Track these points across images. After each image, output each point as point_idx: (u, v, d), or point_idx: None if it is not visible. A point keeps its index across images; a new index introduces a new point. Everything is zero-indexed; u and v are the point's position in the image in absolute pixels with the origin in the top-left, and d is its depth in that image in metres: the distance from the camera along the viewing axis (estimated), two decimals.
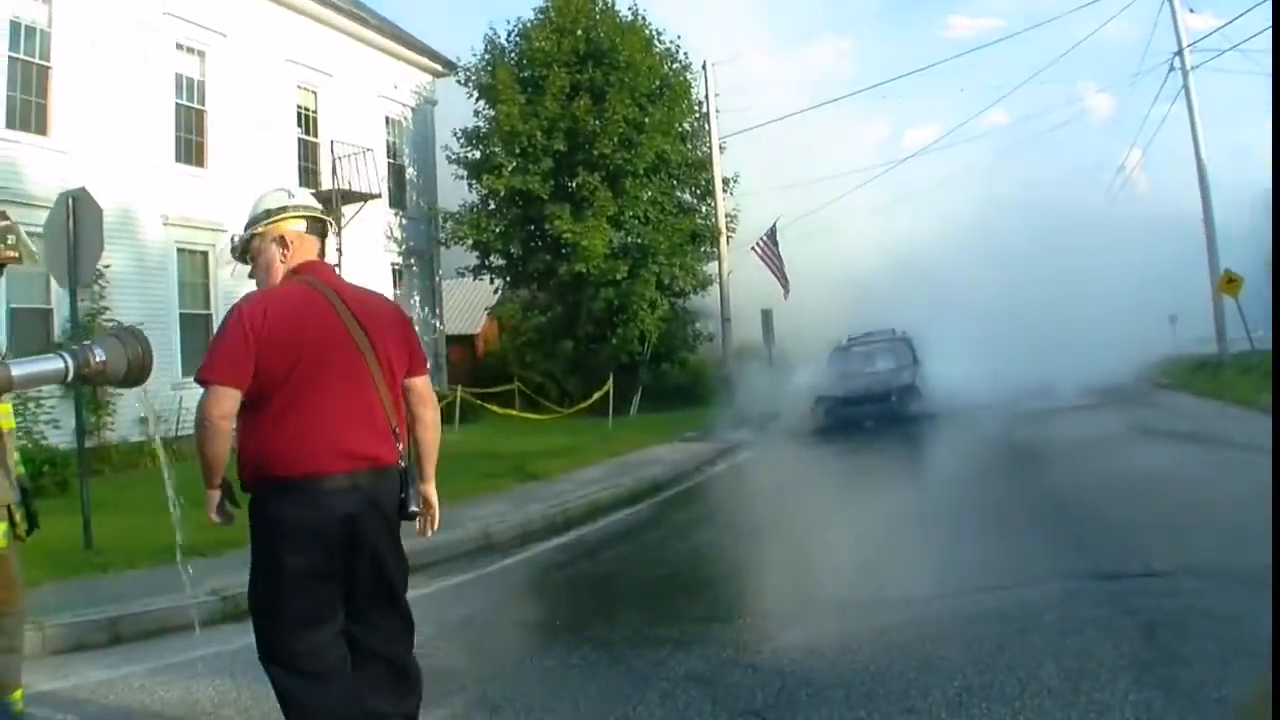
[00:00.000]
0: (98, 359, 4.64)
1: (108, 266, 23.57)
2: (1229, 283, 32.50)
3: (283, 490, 5.33)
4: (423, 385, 5.88)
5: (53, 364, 4.58)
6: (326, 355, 5.43)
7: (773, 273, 39.49)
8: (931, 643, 7.74)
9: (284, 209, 5.78)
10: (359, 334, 5.54)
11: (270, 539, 5.38)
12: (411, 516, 5.79)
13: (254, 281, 5.83)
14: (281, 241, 5.70)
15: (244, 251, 5.89)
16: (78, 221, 13.74)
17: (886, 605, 9.24)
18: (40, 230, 14.10)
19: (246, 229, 5.83)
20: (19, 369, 4.57)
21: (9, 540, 6.32)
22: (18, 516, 6.48)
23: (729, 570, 12.34)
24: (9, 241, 6.27)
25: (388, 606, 5.76)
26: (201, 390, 5.36)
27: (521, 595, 11.84)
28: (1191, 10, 37.45)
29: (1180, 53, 36.52)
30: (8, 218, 6.39)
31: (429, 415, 5.89)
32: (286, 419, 5.34)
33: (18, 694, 7.04)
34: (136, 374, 4.94)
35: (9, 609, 6.69)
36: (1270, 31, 3.47)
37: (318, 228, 5.89)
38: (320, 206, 6.04)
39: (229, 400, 5.29)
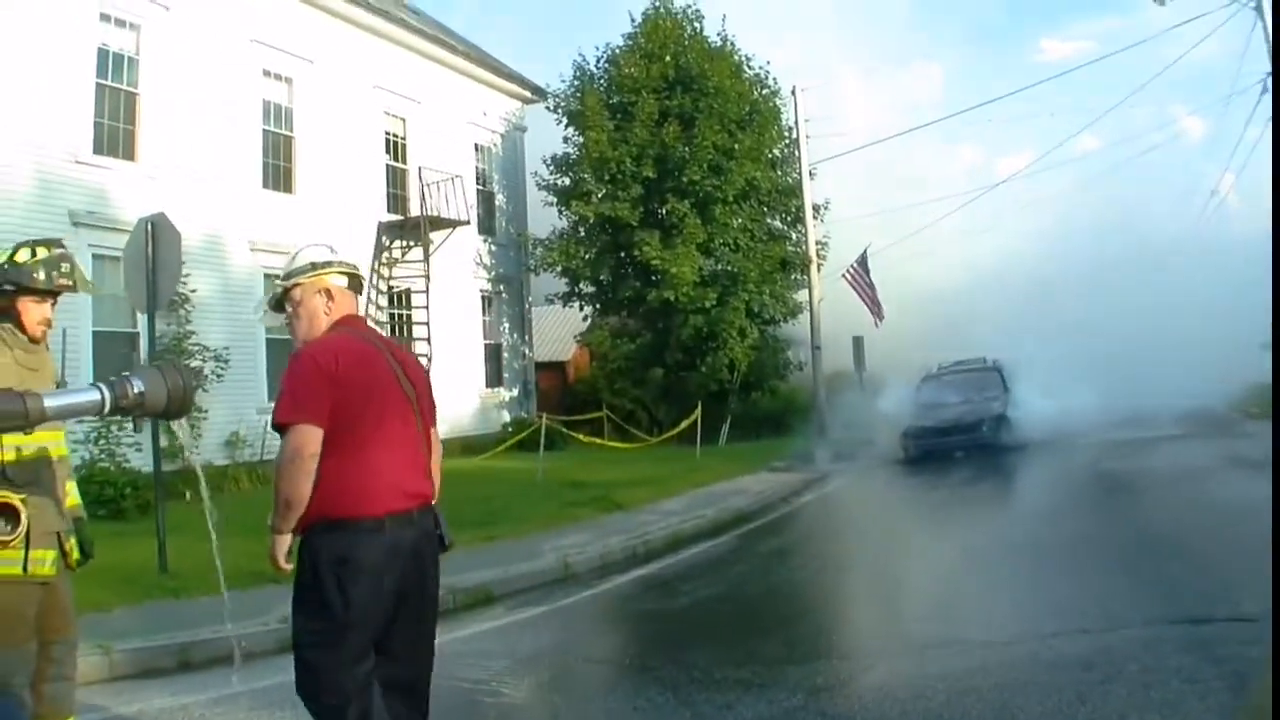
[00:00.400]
0: (135, 390, 4.69)
1: (193, 291, 23.75)
2: None
3: (350, 529, 5.44)
4: (435, 434, 6.14)
5: (88, 396, 4.64)
6: (386, 401, 5.67)
7: (864, 300, 39.18)
8: (1009, 691, 7.43)
9: (329, 263, 5.95)
10: (405, 383, 5.84)
11: (337, 576, 5.41)
12: (449, 547, 6.04)
13: (291, 330, 5.84)
14: (327, 294, 5.86)
15: (281, 301, 6.01)
16: (156, 245, 13.74)
17: (965, 648, 8.92)
18: (121, 254, 14.11)
19: (288, 278, 5.95)
20: (53, 400, 4.55)
21: (58, 569, 6.21)
22: (68, 545, 6.35)
23: (807, 608, 12.09)
24: (63, 269, 6.26)
25: (428, 634, 6.03)
26: (283, 430, 5.44)
27: (594, 630, 11.66)
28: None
29: (1275, 72, 35.83)
30: (63, 246, 6.42)
31: (439, 459, 6.15)
32: (356, 460, 5.47)
33: None
34: (178, 406, 4.90)
35: (59, 637, 6.57)
36: (1270, 30, 3.24)
37: (355, 284, 6.07)
38: (358, 265, 6.24)
39: (317, 440, 5.37)
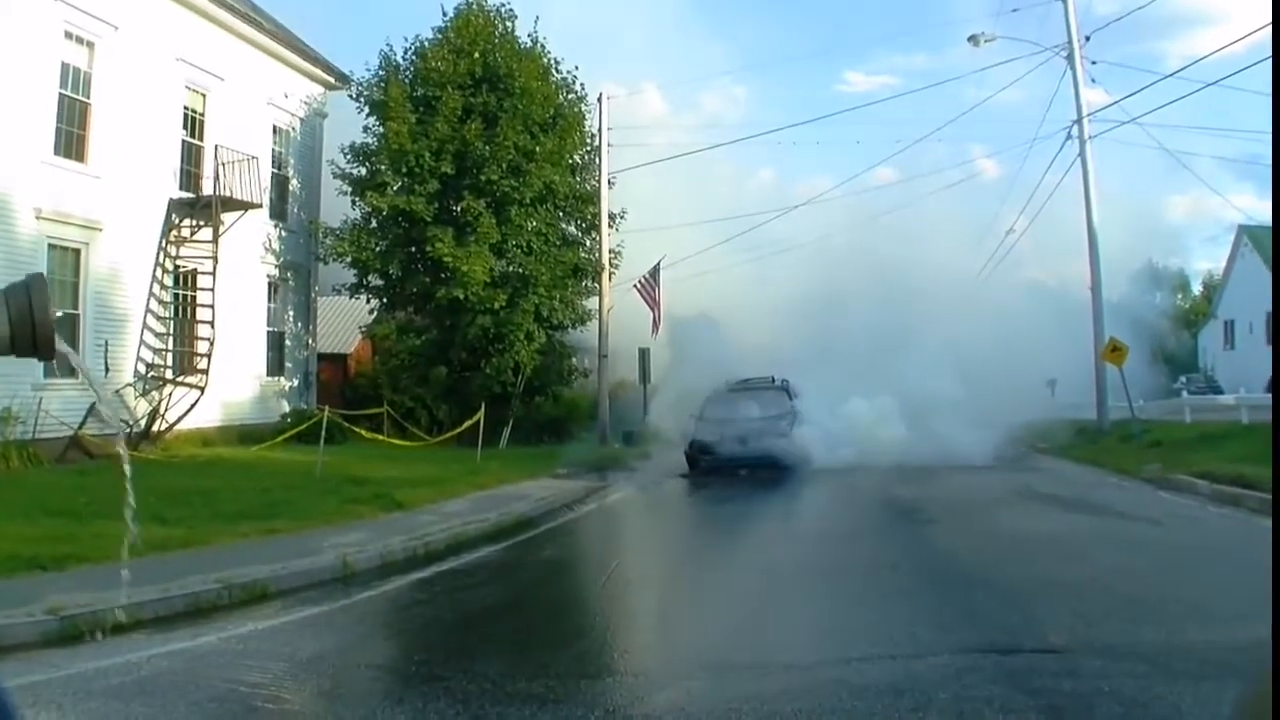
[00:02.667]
0: None
1: None
2: (1114, 351, 32.75)
3: None
4: None
5: None
6: None
7: (650, 308, 39.50)
8: (817, 717, 7.39)
9: None
10: None
11: None
12: None
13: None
14: None
15: None
16: None
17: (767, 670, 8.89)
18: None
19: None
20: None
21: None
22: None
23: (597, 620, 11.99)
24: None
25: None
26: None
27: (378, 634, 11.42)
28: (1094, 81, 37.90)
29: (1079, 120, 36.90)
30: None
31: None
32: None
33: None
34: (23, 341, 4.50)
35: None
36: (1270, 31, 3.27)
37: None
38: None
39: None
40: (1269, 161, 2.69)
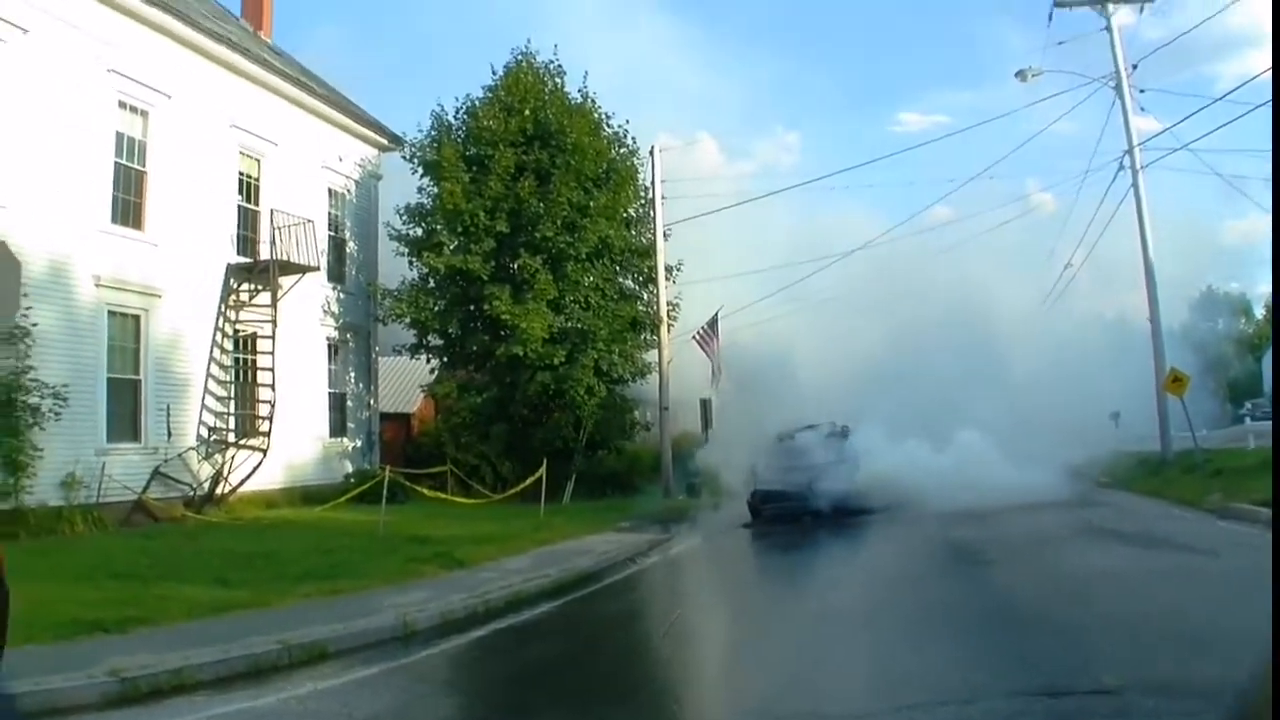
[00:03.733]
0: None
1: (35, 325, 23.12)
2: (1175, 381, 32.46)
3: None
4: None
5: None
6: None
7: (709, 359, 39.49)
8: None
9: None
10: None
11: None
12: None
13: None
14: None
15: None
16: None
17: None
18: None
19: None
20: None
21: None
22: None
23: (655, 674, 11.99)
24: None
25: None
26: None
27: (435, 693, 11.42)
28: (1143, 110, 37.69)
29: (1130, 151, 36.69)
30: None
31: None
32: None
33: None
34: None
35: None
36: (1270, 31, 3.23)
37: None
38: None
39: None
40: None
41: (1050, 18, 37.86)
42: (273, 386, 31.28)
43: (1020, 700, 8.75)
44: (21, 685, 9.68)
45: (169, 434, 28.43)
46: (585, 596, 17.68)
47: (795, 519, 28.17)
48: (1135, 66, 37.22)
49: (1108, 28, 37.26)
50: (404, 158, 40.98)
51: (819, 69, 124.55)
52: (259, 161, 33.65)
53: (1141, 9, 37.32)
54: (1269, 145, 2.65)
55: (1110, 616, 12.26)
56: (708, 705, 10.56)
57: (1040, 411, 31.75)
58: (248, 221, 32.99)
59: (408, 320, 39.07)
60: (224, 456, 30.29)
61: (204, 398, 30.29)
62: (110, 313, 27.07)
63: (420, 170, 40.20)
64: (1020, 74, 38.87)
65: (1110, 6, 37.02)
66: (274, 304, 31.53)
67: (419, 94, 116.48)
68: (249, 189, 33.25)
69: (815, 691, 10.14)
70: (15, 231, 21.85)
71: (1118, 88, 36.97)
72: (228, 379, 31.49)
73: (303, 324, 34.77)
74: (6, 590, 6.58)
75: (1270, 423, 46.22)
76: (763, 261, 54.14)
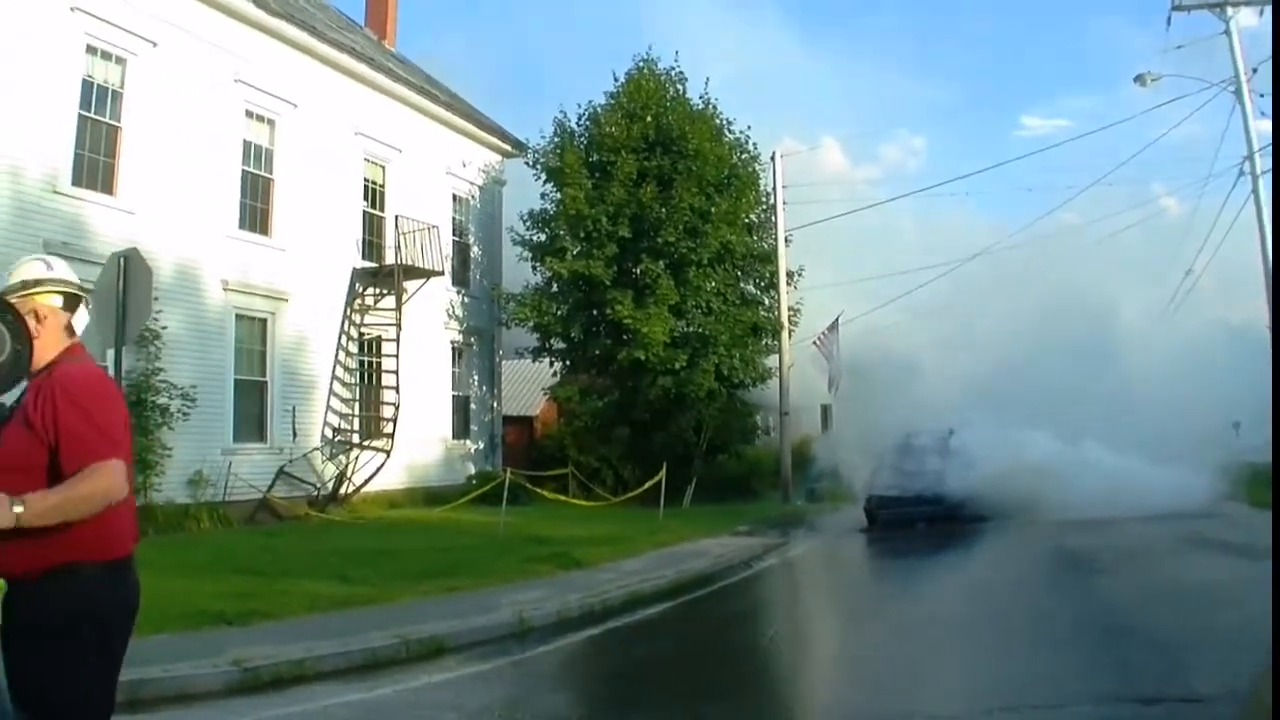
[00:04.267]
0: None
1: (164, 328, 23.72)
2: None
3: (101, 571, 5.01)
4: None
5: None
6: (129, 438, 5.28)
7: (829, 364, 39.49)
8: None
9: (39, 281, 5.37)
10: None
11: (94, 622, 4.98)
12: None
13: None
14: (35, 315, 5.23)
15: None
16: (127, 281, 13.75)
17: None
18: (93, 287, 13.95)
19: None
20: None
21: None
22: None
23: (759, 674, 12.14)
24: None
25: None
26: (106, 466, 4.81)
27: (545, 687, 11.63)
28: (1263, 114, 37.11)
29: (1250, 157, 36.21)
30: None
31: None
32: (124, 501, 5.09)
33: None
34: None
35: None
36: (1271, 31, 3.29)
37: (73, 304, 5.44)
38: (78, 280, 5.58)
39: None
40: None
41: (1169, 21, 37.52)
42: (397, 389, 31.72)
43: (1111, 705, 8.83)
44: (152, 671, 9.99)
45: (294, 434, 29.01)
46: (700, 598, 17.79)
47: (910, 524, 28.10)
48: (1255, 70, 36.73)
49: (1226, 31, 36.76)
50: (527, 164, 41.28)
51: (945, 72, 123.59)
52: (384, 168, 34.20)
53: (1262, 11, 36.67)
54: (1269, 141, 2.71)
55: (1209, 627, 12.21)
56: (805, 703, 10.74)
57: (1160, 420, 31.24)
58: (373, 227, 33.54)
59: (531, 324, 39.29)
60: (348, 457, 30.81)
61: (329, 399, 30.89)
62: (238, 316, 27.68)
63: (543, 176, 40.39)
64: (1139, 79, 38.42)
65: (1229, 10, 36.49)
66: (399, 307, 32.01)
67: (543, 101, 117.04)
68: (374, 195, 33.80)
69: (910, 693, 10.27)
70: (145, 237, 22.43)
71: (1237, 92, 36.44)
72: (352, 381, 32.04)
73: (427, 327, 35.23)
74: None
75: None
76: (885, 267, 53.92)
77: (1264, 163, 35.90)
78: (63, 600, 4.87)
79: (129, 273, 13.75)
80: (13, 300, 5.18)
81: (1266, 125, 37.84)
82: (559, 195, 38.91)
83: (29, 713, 4.98)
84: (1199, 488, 29.01)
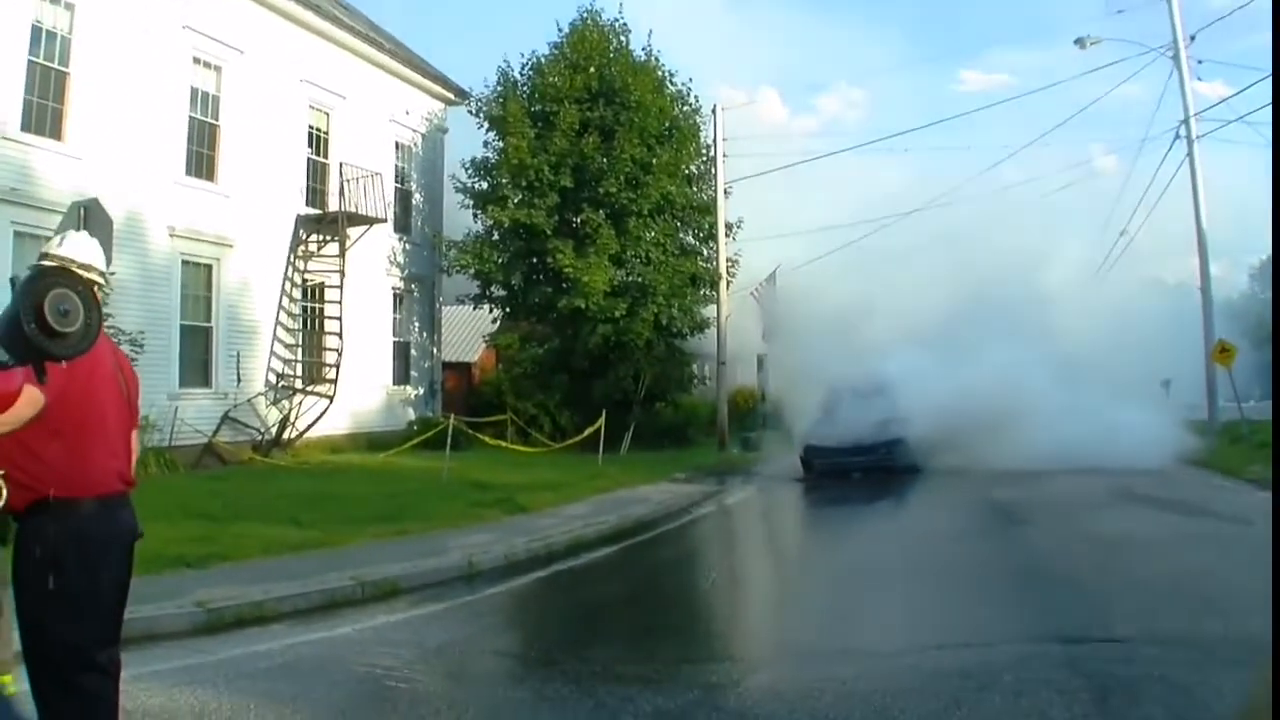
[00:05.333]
0: None
1: (113, 273, 23.72)
2: (1222, 352, 32.65)
3: (92, 506, 5.57)
4: (136, 434, 6.27)
5: None
6: (107, 396, 5.82)
7: (766, 315, 39.92)
8: (891, 695, 7.98)
9: (44, 255, 5.91)
10: (122, 382, 6.00)
11: (80, 553, 5.50)
12: (140, 536, 6.05)
13: None
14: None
15: None
16: (88, 231, 13.90)
17: (851, 657, 9.48)
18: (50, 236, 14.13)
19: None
20: None
21: None
22: None
23: (703, 613, 12.70)
24: None
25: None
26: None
27: (500, 626, 12.09)
28: (1199, 79, 37.72)
29: (1186, 121, 36.84)
30: None
31: (136, 456, 6.24)
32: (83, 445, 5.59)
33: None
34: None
35: None
36: (1270, 32, 3.60)
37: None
38: (88, 261, 5.95)
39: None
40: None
41: None
42: (340, 335, 32.02)
43: (1036, 645, 9.34)
44: None
45: (239, 380, 29.31)
46: (641, 543, 18.22)
47: (845, 474, 28.55)
48: (1194, 37, 37.27)
49: None
50: (470, 112, 41.31)
51: (885, 25, 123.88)
52: (328, 115, 34.33)
53: None
54: (1270, 150, 3.11)
55: (1133, 577, 12.76)
56: (748, 640, 11.28)
57: (1089, 375, 31.59)
58: (317, 174, 33.73)
59: (471, 272, 39.44)
60: (291, 402, 31.12)
61: (273, 345, 31.13)
62: (184, 262, 27.87)
63: (486, 125, 40.52)
64: (1079, 41, 38.93)
65: None
66: (342, 254, 32.23)
67: (485, 50, 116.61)
68: (318, 142, 33.96)
69: (847, 632, 10.79)
70: (93, 183, 22.48)
71: (1175, 57, 37.05)
72: (296, 327, 32.31)
73: (369, 274, 35.48)
74: None
75: None
76: (825, 220, 54.27)
77: (1200, 127, 36.52)
78: (49, 530, 5.35)
79: (90, 222, 13.86)
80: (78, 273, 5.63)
81: (1204, 88, 38.47)
82: (501, 144, 39.00)
83: (30, 639, 5.45)
84: (1156, 443, 29.08)
